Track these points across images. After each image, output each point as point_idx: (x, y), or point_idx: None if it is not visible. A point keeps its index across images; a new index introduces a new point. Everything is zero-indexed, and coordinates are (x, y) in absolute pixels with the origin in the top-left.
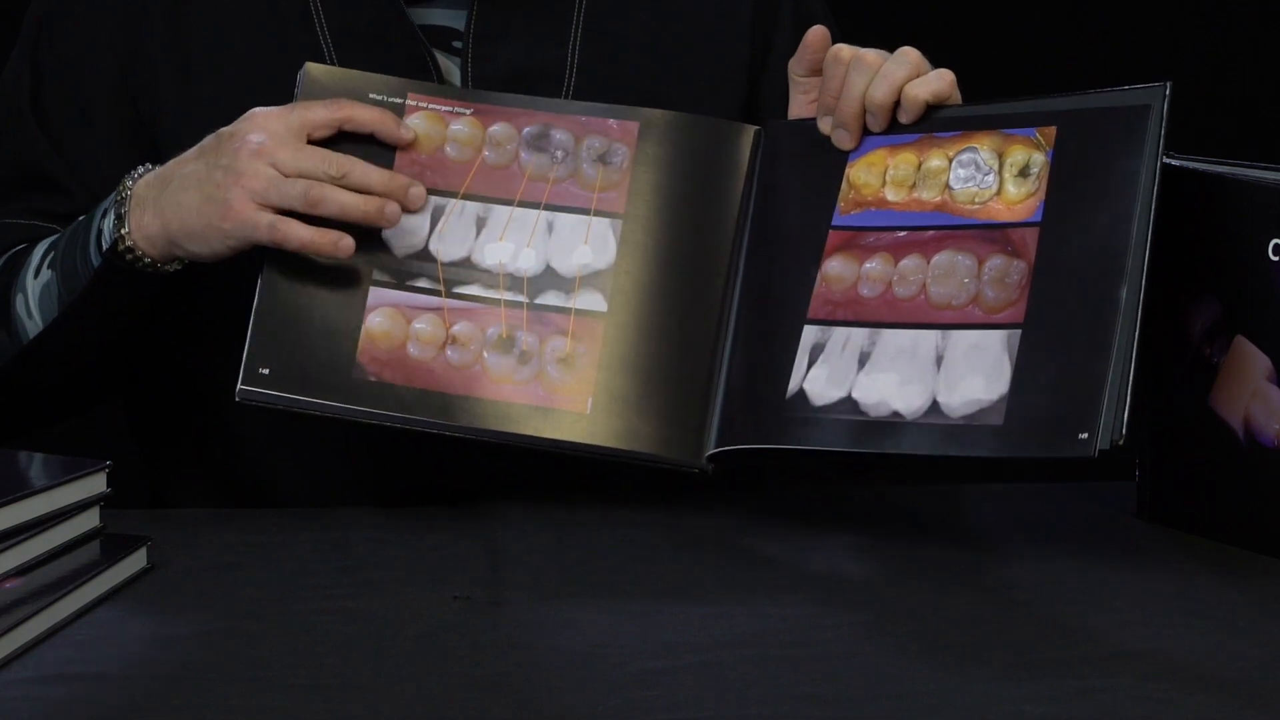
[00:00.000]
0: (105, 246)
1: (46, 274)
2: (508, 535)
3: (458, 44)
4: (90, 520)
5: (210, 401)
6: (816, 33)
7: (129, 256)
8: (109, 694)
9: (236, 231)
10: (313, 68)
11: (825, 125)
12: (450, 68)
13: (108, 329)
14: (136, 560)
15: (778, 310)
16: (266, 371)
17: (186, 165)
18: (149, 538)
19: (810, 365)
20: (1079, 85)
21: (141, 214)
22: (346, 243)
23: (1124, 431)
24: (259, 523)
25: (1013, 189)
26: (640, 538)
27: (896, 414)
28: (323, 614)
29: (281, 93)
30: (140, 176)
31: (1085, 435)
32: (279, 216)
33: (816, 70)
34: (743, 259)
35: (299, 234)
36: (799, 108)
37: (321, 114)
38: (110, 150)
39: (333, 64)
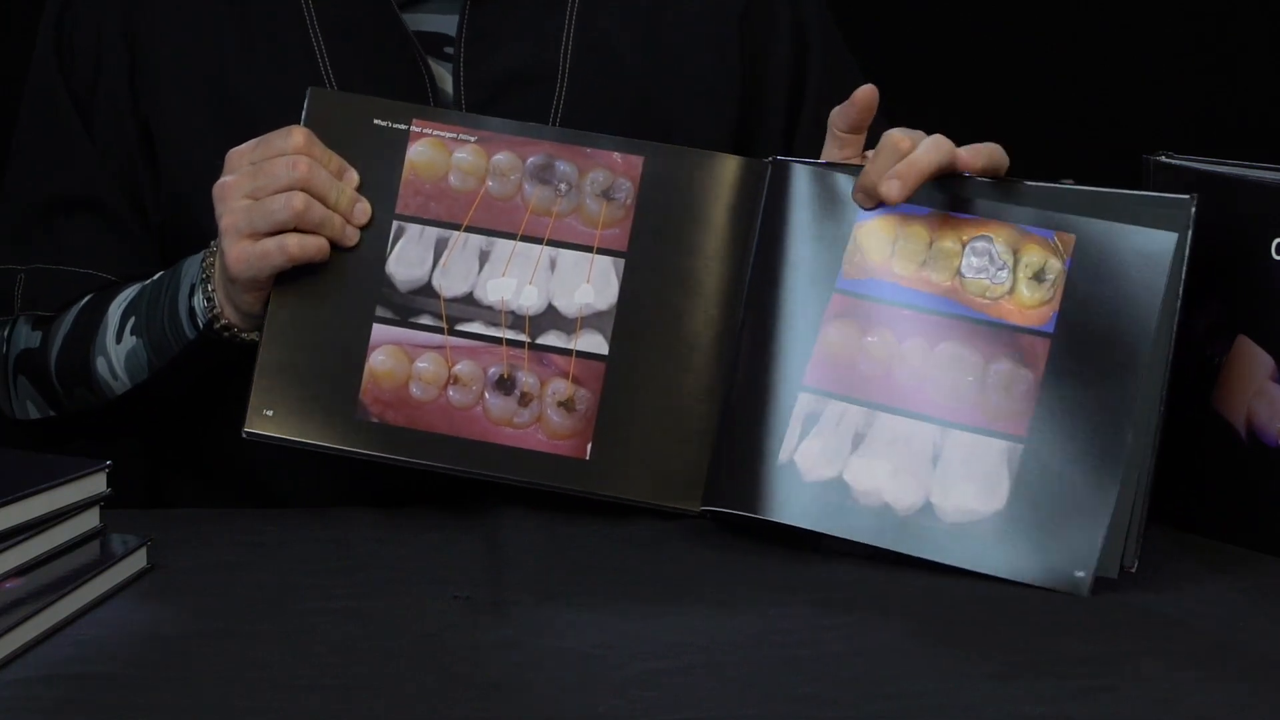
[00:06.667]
0: (201, 324)
1: (131, 340)
2: (508, 535)
3: (450, 49)
4: (90, 520)
5: (211, 402)
6: (865, 92)
7: (226, 334)
8: (109, 694)
9: (244, 274)
10: (317, 91)
11: (859, 198)
12: (443, 74)
13: (194, 382)
14: (136, 560)
15: (774, 369)
16: (270, 414)
17: None
18: (149, 538)
19: (803, 436)
20: (1078, 90)
21: (219, 291)
22: (351, 231)
23: (1135, 560)
24: (259, 523)
25: (1026, 291)
26: (641, 538)
27: (886, 506)
28: (323, 614)
29: (271, 95)
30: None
31: (1082, 574)
32: (282, 237)
33: (857, 127)
34: (745, 305)
35: (307, 244)
36: (831, 158)
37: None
38: (131, 157)
39: (325, 67)
